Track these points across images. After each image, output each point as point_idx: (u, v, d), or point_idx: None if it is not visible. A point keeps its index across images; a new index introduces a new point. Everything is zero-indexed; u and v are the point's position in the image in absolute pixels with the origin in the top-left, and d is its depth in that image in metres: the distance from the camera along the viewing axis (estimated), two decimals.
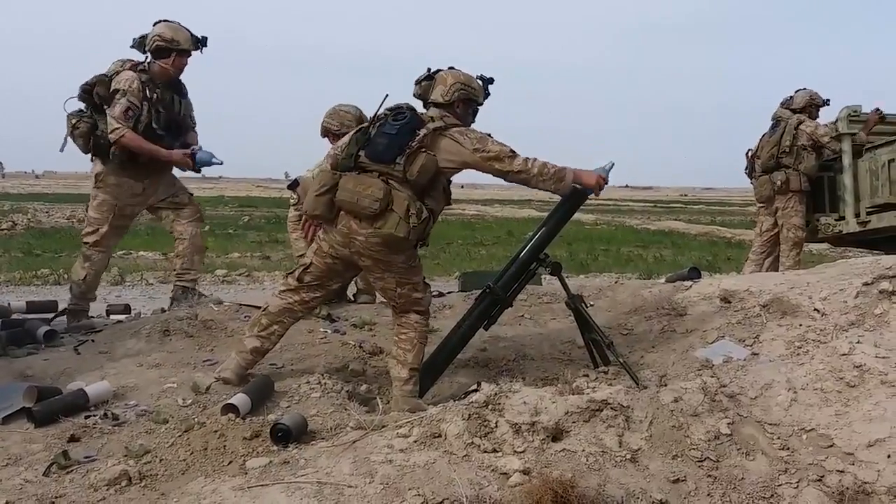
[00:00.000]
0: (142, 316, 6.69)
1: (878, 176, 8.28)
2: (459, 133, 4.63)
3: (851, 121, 8.65)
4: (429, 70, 4.85)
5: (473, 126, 4.82)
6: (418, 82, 4.84)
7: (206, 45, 6.41)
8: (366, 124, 4.76)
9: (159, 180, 6.54)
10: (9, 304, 6.80)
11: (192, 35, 6.36)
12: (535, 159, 4.65)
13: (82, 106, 6.35)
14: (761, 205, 9.04)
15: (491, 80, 4.93)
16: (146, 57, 6.34)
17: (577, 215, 5.43)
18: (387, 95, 4.72)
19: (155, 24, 6.33)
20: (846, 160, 8.57)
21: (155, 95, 6.26)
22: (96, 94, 6.24)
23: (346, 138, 4.83)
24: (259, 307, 5.55)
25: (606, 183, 4.87)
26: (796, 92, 8.99)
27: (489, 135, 4.68)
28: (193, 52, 6.39)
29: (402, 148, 4.52)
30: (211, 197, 39.99)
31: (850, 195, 8.54)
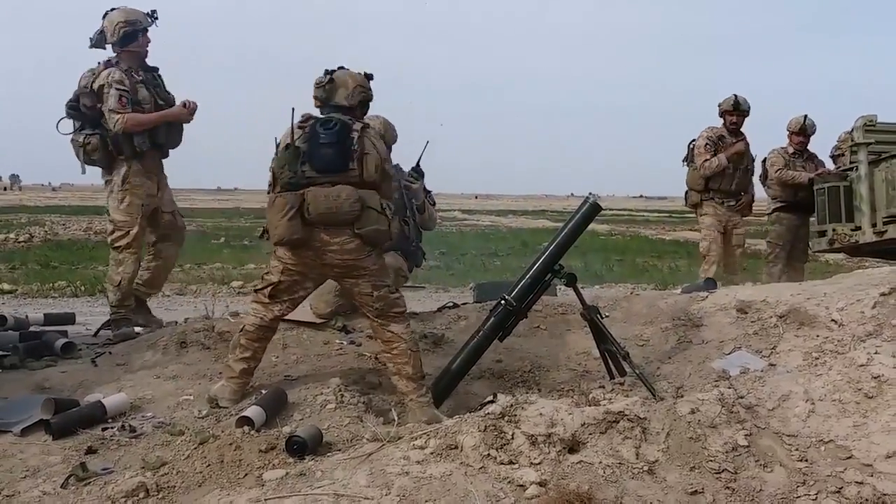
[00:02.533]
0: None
1: (894, 186, 8.22)
2: (376, 138, 4.81)
3: (867, 130, 8.60)
4: (326, 72, 4.86)
5: None
6: (320, 85, 4.84)
7: (157, 18, 6.44)
8: (287, 141, 4.70)
9: (163, 182, 6.62)
10: (27, 316, 6.83)
11: (143, 12, 6.41)
12: None
13: (71, 123, 6.36)
14: (769, 212, 9.18)
15: (371, 77, 4.96)
16: (114, 49, 6.35)
17: (591, 226, 5.42)
18: (293, 108, 4.74)
19: (105, 15, 6.36)
20: (862, 170, 8.52)
21: (139, 78, 6.33)
22: (83, 105, 6.27)
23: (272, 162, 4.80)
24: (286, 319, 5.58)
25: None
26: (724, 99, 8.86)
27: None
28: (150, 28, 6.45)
29: (350, 153, 4.61)
30: (227, 208, 40.14)
31: (866, 205, 8.47)
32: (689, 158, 8.77)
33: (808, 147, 9.09)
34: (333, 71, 4.86)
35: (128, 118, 6.15)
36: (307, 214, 4.56)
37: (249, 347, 4.78)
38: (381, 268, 4.81)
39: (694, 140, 8.76)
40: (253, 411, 4.23)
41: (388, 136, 5.88)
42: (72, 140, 6.35)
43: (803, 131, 9.00)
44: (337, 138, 4.61)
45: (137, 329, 6.35)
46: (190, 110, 6.45)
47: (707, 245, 8.59)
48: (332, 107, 4.81)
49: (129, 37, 6.32)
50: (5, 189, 59.22)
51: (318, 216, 4.56)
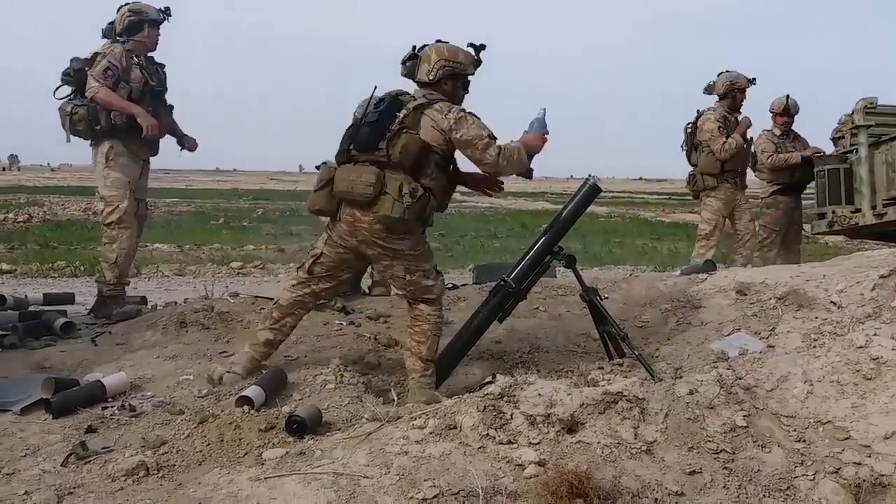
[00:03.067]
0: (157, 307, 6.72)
1: (894, 168, 8.22)
2: (438, 111, 4.58)
3: (867, 113, 8.58)
4: (413, 48, 4.79)
5: (466, 99, 4.81)
6: (404, 62, 4.80)
7: (170, 14, 6.58)
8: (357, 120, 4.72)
9: (146, 172, 6.69)
10: (26, 296, 6.84)
11: (155, 7, 6.56)
12: (505, 148, 4.58)
13: (67, 90, 6.45)
14: (763, 197, 9.14)
15: (482, 47, 4.80)
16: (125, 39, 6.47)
17: (591, 208, 5.41)
18: (375, 87, 4.72)
19: (119, 9, 6.52)
20: (862, 152, 8.51)
21: (140, 61, 6.45)
22: (74, 70, 6.37)
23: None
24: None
25: (548, 133, 4.82)
26: (718, 76, 8.72)
27: (471, 114, 4.60)
28: (161, 24, 6.59)
29: (383, 132, 4.55)
30: (225, 189, 40.06)
31: (866, 187, 8.47)
32: (688, 143, 8.70)
33: (792, 127, 9.06)
34: (424, 46, 4.76)
35: (102, 89, 6.24)
36: (333, 190, 4.62)
37: (279, 320, 4.80)
38: (419, 253, 4.71)
39: (691, 123, 8.68)
40: (252, 391, 4.24)
41: None
42: (59, 108, 6.41)
43: (787, 111, 8.96)
44: (378, 117, 4.57)
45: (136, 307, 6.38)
46: (152, 130, 6.37)
47: (710, 229, 8.53)
48: (417, 83, 4.77)
49: (135, 26, 6.45)
50: (4, 169, 59.04)
51: (337, 193, 4.61)
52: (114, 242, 6.41)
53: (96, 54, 6.36)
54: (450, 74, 4.74)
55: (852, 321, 4.68)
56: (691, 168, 8.72)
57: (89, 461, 3.74)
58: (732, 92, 8.56)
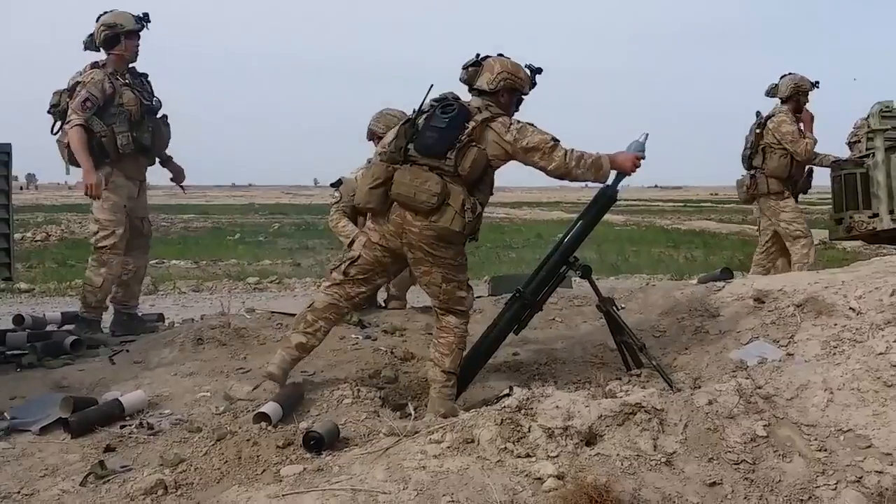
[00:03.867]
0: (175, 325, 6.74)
1: None
2: (501, 124, 4.61)
3: (883, 116, 8.53)
4: (477, 56, 4.80)
5: (517, 116, 4.79)
6: (465, 67, 4.79)
7: (149, 21, 6.38)
8: (412, 116, 4.72)
9: (143, 187, 6.60)
10: (44, 314, 6.87)
11: (133, 15, 6.34)
12: (572, 151, 4.61)
13: (55, 123, 6.34)
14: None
15: (539, 70, 4.87)
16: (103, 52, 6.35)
17: (606, 216, 5.40)
18: (431, 86, 4.72)
19: (97, 18, 6.35)
20: (879, 156, 8.45)
21: (125, 81, 6.30)
22: (63, 108, 6.23)
23: (392, 132, 4.83)
24: (291, 314, 5.57)
25: (643, 158, 4.80)
26: (781, 78, 8.50)
27: (531, 124, 4.64)
28: (141, 32, 6.38)
29: (453, 142, 4.52)
30: (241, 205, 40.27)
31: (883, 192, 8.41)
32: (754, 145, 8.35)
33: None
34: (486, 56, 4.78)
35: (74, 129, 6.07)
36: (391, 191, 4.56)
37: (312, 324, 4.76)
38: (458, 264, 4.70)
39: (758, 125, 8.39)
40: (269, 407, 4.24)
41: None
42: (57, 140, 6.32)
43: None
44: (448, 124, 4.54)
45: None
46: (93, 190, 6.15)
47: (802, 227, 8.27)
48: (475, 90, 4.75)
49: (111, 40, 6.30)
50: (21, 188, 59.54)
51: (396, 195, 4.55)
52: (101, 267, 6.30)
53: (77, 84, 6.21)
54: (510, 88, 4.76)
55: (872, 327, 4.64)
56: (751, 171, 8.44)
57: (108, 480, 3.74)
58: (797, 95, 8.36)
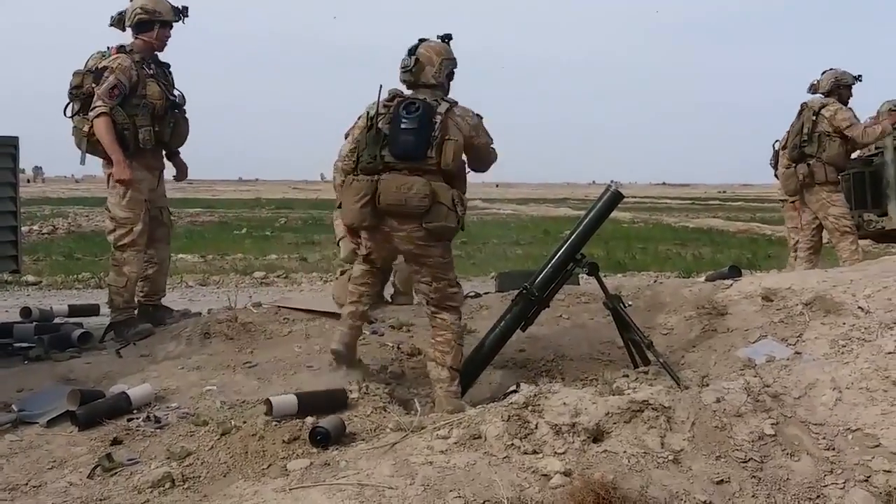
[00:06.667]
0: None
1: None
2: (460, 116, 4.67)
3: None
4: (409, 52, 4.74)
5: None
6: (406, 69, 4.72)
7: (187, 16, 6.16)
8: (371, 122, 4.67)
9: (161, 179, 6.35)
10: (51, 307, 6.87)
11: (172, 6, 6.11)
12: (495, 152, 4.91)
13: (78, 109, 6.08)
14: (792, 199, 8.76)
15: (449, 36, 4.84)
16: (131, 34, 6.10)
17: (613, 214, 5.39)
18: (381, 86, 4.71)
19: None
20: (888, 155, 8.44)
21: (150, 71, 6.02)
22: (86, 90, 5.99)
23: (347, 144, 4.87)
24: (298, 309, 5.57)
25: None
26: (822, 74, 8.37)
27: (480, 118, 4.77)
28: (175, 24, 6.15)
29: (429, 140, 4.54)
30: (248, 199, 40.29)
31: (892, 190, 8.41)
32: (809, 135, 8.11)
33: None
34: (415, 48, 4.74)
35: (101, 119, 5.79)
36: (378, 203, 4.54)
37: (355, 292, 4.86)
38: (447, 261, 4.75)
39: (814, 113, 8.14)
40: (279, 398, 4.20)
41: None
42: (74, 127, 6.08)
43: None
44: (419, 123, 4.54)
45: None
46: (124, 184, 5.90)
47: (851, 224, 8.08)
48: (421, 86, 4.73)
49: (144, 25, 6.02)
50: (29, 181, 59.63)
51: (387, 206, 4.54)
52: (124, 265, 5.96)
53: (104, 68, 5.87)
54: (450, 71, 4.81)
55: (880, 326, 4.62)
56: (801, 163, 8.17)
57: (115, 473, 3.76)
58: (838, 89, 8.18)
